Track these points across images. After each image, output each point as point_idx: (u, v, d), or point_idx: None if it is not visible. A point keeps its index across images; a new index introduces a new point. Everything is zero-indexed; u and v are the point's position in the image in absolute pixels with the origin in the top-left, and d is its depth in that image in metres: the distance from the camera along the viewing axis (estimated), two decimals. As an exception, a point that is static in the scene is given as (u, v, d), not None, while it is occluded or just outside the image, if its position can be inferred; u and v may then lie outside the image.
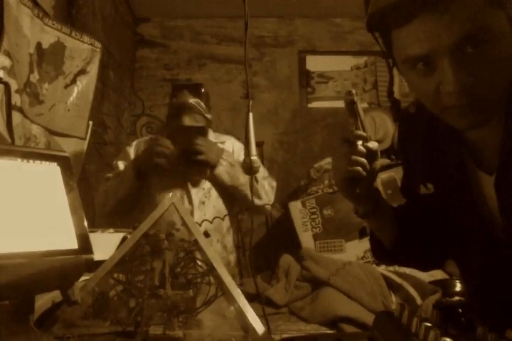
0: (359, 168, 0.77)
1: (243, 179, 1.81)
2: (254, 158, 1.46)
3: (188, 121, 1.82)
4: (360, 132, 0.79)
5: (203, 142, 1.76)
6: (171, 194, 0.96)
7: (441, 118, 0.71)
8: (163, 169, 1.70)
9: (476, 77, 0.61)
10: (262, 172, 1.94)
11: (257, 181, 1.84)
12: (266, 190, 1.87)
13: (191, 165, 1.76)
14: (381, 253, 0.94)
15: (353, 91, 0.79)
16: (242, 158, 1.91)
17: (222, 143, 1.93)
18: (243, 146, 1.98)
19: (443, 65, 0.62)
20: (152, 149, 1.70)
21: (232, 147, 1.97)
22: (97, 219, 1.95)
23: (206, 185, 1.84)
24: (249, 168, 1.42)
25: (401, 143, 0.94)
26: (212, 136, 1.96)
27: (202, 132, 1.84)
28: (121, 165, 1.88)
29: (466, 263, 0.87)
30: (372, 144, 0.79)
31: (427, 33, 0.61)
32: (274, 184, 1.95)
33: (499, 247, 0.75)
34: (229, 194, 1.86)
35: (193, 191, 1.81)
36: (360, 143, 0.79)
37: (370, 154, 0.79)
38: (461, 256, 0.88)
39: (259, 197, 1.84)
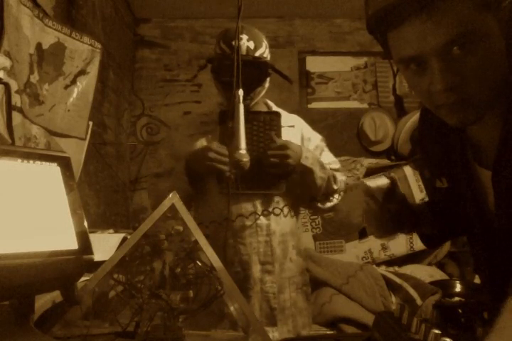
0: None
1: (320, 180, 1.45)
2: (243, 152, 1.29)
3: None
4: None
5: (285, 142, 1.39)
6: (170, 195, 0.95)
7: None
8: (223, 177, 1.37)
9: (464, 76, 0.65)
10: (334, 164, 1.60)
11: (335, 182, 1.53)
12: (340, 187, 1.56)
13: (266, 175, 1.39)
14: (427, 240, 1.04)
15: None
16: (314, 145, 1.58)
17: (291, 127, 1.57)
18: (313, 131, 1.65)
19: (431, 66, 0.65)
20: (205, 156, 1.36)
21: (301, 133, 1.58)
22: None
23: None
24: (236, 164, 1.27)
25: (420, 138, 0.98)
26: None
27: (277, 121, 1.45)
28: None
29: (475, 250, 0.92)
30: None
31: (416, 35, 0.64)
32: (345, 178, 1.62)
33: (497, 238, 0.79)
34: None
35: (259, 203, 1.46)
36: None
37: None
38: (470, 243, 0.95)
39: (329, 200, 1.54)
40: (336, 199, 1.54)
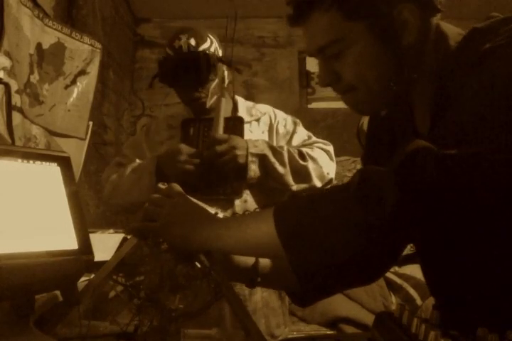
0: None
1: (281, 168, 1.41)
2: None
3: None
4: None
5: (226, 136, 1.37)
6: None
7: None
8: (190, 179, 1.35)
9: (340, 74, 0.74)
10: (308, 138, 1.56)
11: (304, 159, 1.45)
12: (322, 162, 1.47)
13: (223, 179, 1.39)
14: None
15: None
16: (286, 129, 1.55)
17: (258, 120, 1.55)
18: (288, 116, 1.61)
19: None
20: (175, 158, 1.36)
21: (268, 126, 1.56)
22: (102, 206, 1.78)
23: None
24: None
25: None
26: (243, 107, 1.57)
27: (239, 126, 1.46)
28: (128, 152, 1.58)
29: None
30: None
31: (305, 37, 0.77)
32: (329, 147, 1.53)
33: None
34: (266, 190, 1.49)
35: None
36: None
37: None
38: None
39: (307, 180, 1.45)
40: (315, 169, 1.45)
